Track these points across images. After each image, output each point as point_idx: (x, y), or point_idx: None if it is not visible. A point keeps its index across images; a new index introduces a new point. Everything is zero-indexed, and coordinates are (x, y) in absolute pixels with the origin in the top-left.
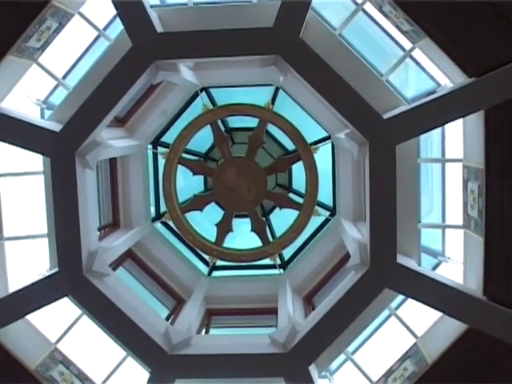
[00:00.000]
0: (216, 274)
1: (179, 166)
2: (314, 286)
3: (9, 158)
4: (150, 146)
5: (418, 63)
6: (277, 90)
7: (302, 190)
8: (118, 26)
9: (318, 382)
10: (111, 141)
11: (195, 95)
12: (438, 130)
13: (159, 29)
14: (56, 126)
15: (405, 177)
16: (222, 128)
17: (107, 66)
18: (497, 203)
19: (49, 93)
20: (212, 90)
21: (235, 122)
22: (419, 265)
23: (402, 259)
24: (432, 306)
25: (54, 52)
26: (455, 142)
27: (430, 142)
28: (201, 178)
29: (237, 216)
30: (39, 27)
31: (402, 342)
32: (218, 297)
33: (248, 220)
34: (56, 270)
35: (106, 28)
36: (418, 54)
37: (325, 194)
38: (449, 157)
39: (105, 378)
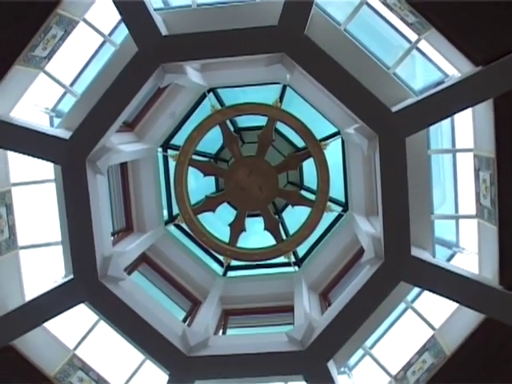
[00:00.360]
0: (231, 274)
1: (190, 168)
2: (329, 282)
3: (20, 167)
4: (159, 149)
5: (424, 54)
6: (284, 87)
7: (314, 187)
8: (123, 31)
9: (337, 378)
10: (121, 146)
11: (203, 96)
12: (447, 121)
13: (164, 32)
14: (65, 134)
15: (416, 169)
16: (231, 128)
17: (114, 71)
18: (509, 191)
19: (57, 101)
20: (219, 91)
21: (244, 121)
22: (434, 256)
23: (416, 251)
24: (448, 298)
25: (61, 60)
26: (465, 132)
27: (439, 132)
28: (212, 178)
29: (249, 215)
30: (45, 36)
31: (420, 334)
32: (233, 297)
33: (261, 219)
34: (71, 276)
35: (111, 33)
36: (424, 45)
37: (336, 190)
38: (459, 147)
39: (124, 382)
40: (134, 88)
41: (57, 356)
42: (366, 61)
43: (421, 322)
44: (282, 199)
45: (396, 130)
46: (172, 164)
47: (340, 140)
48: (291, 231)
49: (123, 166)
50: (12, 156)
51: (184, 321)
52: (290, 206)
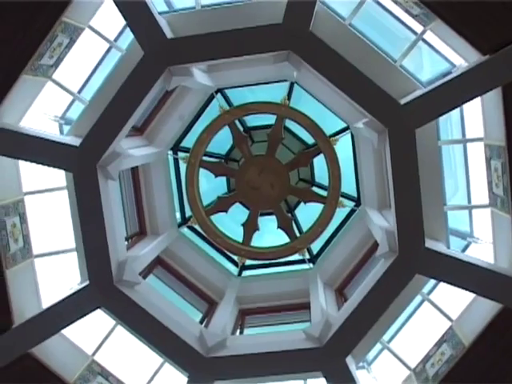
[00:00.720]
0: (246, 273)
1: (201, 170)
2: (344, 278)
3: (32, 175)
4: (170, 152)
5: (430, 46)
6: (292, 85)
7: (325, 183)
8: (129, 36)
9: (356, 374)
10: (131, 150)
11: (211, 97)
12: (456, 111)
13: (169, 35)
14: (75, 141)
15: (427, 161)
16: (241, 128)
17: (121, 76)
18: None
19: (66, 108)
20: (227, 91)
21: (253, 120)
22: (448, 248)
23: (430, 243)
24: (464, 288)
25: (68, 67)
26: (475, 122)
27: (449, 123)
28: (223, 179)
29: (262, 214)
30: (51, 44)
31: (437, 326)
32: (249, 296)
33: (273, 217)
34: (87, 282)
35: (116, 39)
36: (429, 36)
37: (348, 185)
38: (469, 137)
39: None
40: (141, 92)
41: (76, 362)
42: (372, 54)
43: (438, 314)
44: (294, 197)
45: (405, 123)
46: (183, 166)
47: (350, 135)
48: (304, 228)
49: (134, 171)
50: (23, 165)
51: (201, 322)
52: (302, 203)
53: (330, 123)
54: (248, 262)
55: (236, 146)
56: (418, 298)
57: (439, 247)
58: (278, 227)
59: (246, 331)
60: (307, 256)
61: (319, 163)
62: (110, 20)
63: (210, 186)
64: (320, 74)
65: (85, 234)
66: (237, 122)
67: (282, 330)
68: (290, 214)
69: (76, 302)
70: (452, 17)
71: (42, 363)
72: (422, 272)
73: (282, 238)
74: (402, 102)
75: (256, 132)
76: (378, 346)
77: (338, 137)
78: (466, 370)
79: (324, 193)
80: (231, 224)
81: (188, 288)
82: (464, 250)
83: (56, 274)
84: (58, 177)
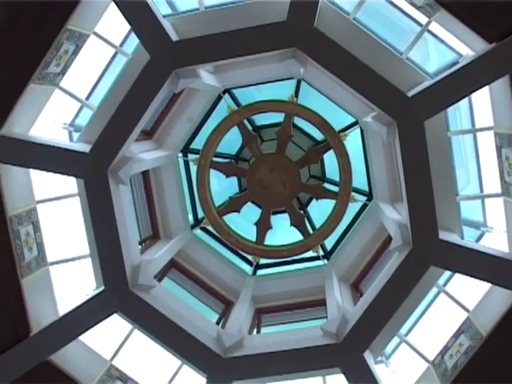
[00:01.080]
0: (261, 272)
1: (211, 171)
2: (359, 273)
3: (43, 183)
4: (180, 155)
5: (436, 36)
6: (299, 82)
7: (337, 179)
8: (134, 40)
9: (375, 368)
10: (141, 154)
11: (218, 98)
12: (464, 101)
13: (174, 37)
14: (85, 147)
15: (437, 152)
16: (249, 127)
17: (128, 81)
18: None
19: (74, 115)
20: (235, 91)
21: (261, 119)
22: (462, 238)
23: (444, 235)
24: (480, 278)
25: (75, 74)
26: (484, 111)
27: (458, 113)
28: (234, 179)
29: (274, 212)
30: (57, 52)
31: (454, 317)
32: (265, 295)
33: (286, 215)
34: (102, 288)
35: (122, 44)
36: (435, 27)
37: (359, 180)
38: (479, 126)
39: None
40: (149, 96)
41: (94, 368)
42: (378, 48)
43: (454, 305)
44: (306, 194)
45: (414, 115)
46: (193, 168)
47: (359, 129)
48: (317, 225)
49: (145, 175)
50: (34, 173)
51: (217, 323)
52: (314, 200)
53: (338, 118)
54: (262, 261)
55: (246, 146)
56: (434, 290)
57: (453, 238)
58: (291, 225)
59: (263, 330)
60: (321, 252)
61: (329, 159)
62: (114, 25)
63: (222, 186)
64: (326, 70)
65: (98, 240)
66: (245, 121)
67: (298, 328)
68: (302, 211)
69: (92, 308)
70: (456, 6)
71: (61, 370)
72: (437, 264)
73: (295, 236)
74: (410, 94)
75: (265, 131)
76: (396, 340)
77: (347, 132)
78: (484, 360)
79: (335, 188)
80: (244, 224)
81: (203, 289)
82: (478, 239)
83: (71, 281)
84: (69, 184)
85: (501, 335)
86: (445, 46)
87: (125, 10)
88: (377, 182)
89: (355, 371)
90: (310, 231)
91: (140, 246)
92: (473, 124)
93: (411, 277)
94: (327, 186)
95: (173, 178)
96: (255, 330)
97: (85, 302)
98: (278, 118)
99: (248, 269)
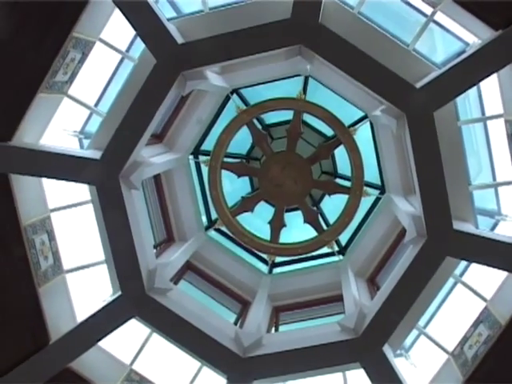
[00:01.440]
0: (276, 270)
1: (223, 171)
2: (375, 267)
3: (56, 191)
4: (190, 157)
5: (442, 26)
6: (306, 78)
7: (348, 174)
8: (140, 45)
9: (395, 362)
10: (152, 158)
11: (227, 98)
12: (473, 89)
13: (180, 40)
14: (96, 154)
15: (448, 142)
16: (259, 126)
17: (136, 85)
18: None
19: (84, 122)
20: (242, 91)
21: (271, 117)
22: (477, 227)
23: (458, 225)
24: (497, 267)
25: (83, 81)
26: (493, 98)
27: (467, 102)
28: (246, 179)
29: (287, 210)
30: (64, 60)
31: (472, 307)
32: (282, 293)
33: (299, 212)
34: (119, 293)
35: (128, 49)
36: (440, 17)
37: (371, 174)
38: (489, 114)
39: None
40: (157, 99)
41: (115, 373)
42: (384, 41)
43: (472, 295)
44: (318, 190)
45: (423, 106)
46: (205, 170)
47: (368, 123)
48: (331, 221)
49: (157, 178)
50: (47, 182)
51: (235, 323)
52: (327, 196)
53: (347, 113)
54: (278, 259)
55: (256, 145)
56: (451, 281)
57: (467, 228)
58: (305, 222)
59: (281, 328)
60: (336, 248)
61: (340, 154)
62: (120, 31)
63: (234, 186)
64: (333, 66)
65: (113, 246)
66: (255, 120)
67: (316, 324)
68: (315, 208)
69: (110, 314)
70: None
71: (81, 376)
72: (452, 254)
73: (309, 233)
74: (418, 85)
75: (275, 129)
76: (415, 333)
77: (356, 126)
78: (504, 349)
79: (348, 183)
80: (258, 223)
81: (220, 290)
82: (493, 228)
83: (88, 288)
84: (82, 191)
85: None
86: (451, 35)
87: (129, 15)
88: (389, 175)
89: (375, 366)
90: (324, 227)
91: (155, 250)
92: (483, 112)
93: (427, 268)
94: (339, 181)
95: (185, 181)
96: (273, 329)
97: (102, 308)
98: (287, 115)
99: (264, 268)
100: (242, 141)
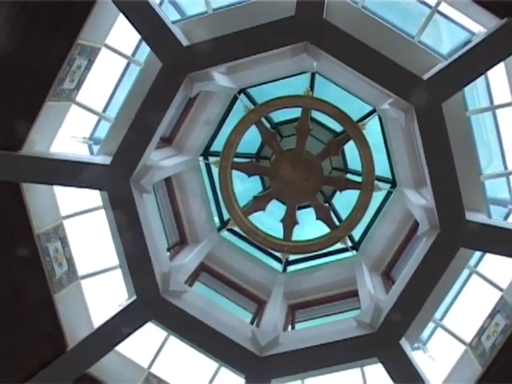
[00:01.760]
0: (291, 268)
1: (233, 171)
2: (389, 261)
3: (68, 198)
4: (200, 158)
5: (446, 17)
6: (313, 75)
7: (359, 168)
8: (146, 49)
9: (412, 355)
10: (162, 161)
11: (234, 99)
12: (481, 79)
13: (185, 42)
14: (106, 159)
15: (457, 133)
16: (268, 125)
17: (143, 90)
18: None
19: (93, 128)
20: (250, 90)
21: (279, 116)
22: (490, 217)
23: (471, 215)
24: (511, 256)
25: (90, 88)
26: (501, 87)
27: (475, 92)
28: (257, 178)
29: (299, 207)
30: (70, 68)
31: (488, 297)
32: (297, 291)
33: (311, 209)
34: (134, 298)
35: (134, 54)
36: (444, 7)
37: (382, 167)
38: (498, 103)
39: None
40: (165, 103)
41: (133, 377)
42: (389, 34)
43: (487, 285)
44: (329, 186)
45: (430, 98)
46: (215, 171)
47: (377, 117)
48: (343, 216)
49: (168, 181)
50: (58, 189)
51: (251, 322)
52: (338, 192)
53: (355, 108)
54: (291, 257)
55: (265, 144)
56: (466, 272)
57: (480, 218)
58: (317, 218)
59: (298, 326)
60: (349, 244)
61: (350, 149)
62: (124, 36)
63: (245, 186)
64: (339, 61)
65: (126, 250)
66: (263, 119)
67: (332, 321)
68: (327, 204)
69: (126, 318)
70: None
71: (100, 382)
72: (466, 245)
73: (322, 229)
74: (425, 77)
75: (283, 127)
76: (431, 325)
77: (365, 121)
78: None
79: (359, 178)
80: (270, 221)
81: (235, 290)
82: (506, 217)
83: (103, 293)
84: (93, 196)
85: None
86: (456, 25)
87: (134, 19)
88: (399, 168)
89: (393, 360)
90: (337, 223)
91: (168, 253)
92: (491, 101)
93: (441, 260)
94: (350, 176)
95: (195, 182)
96: (290, 327)
97: (118, 313)
98: (295, 113)
99: (278, 266)
100: (251, 140)
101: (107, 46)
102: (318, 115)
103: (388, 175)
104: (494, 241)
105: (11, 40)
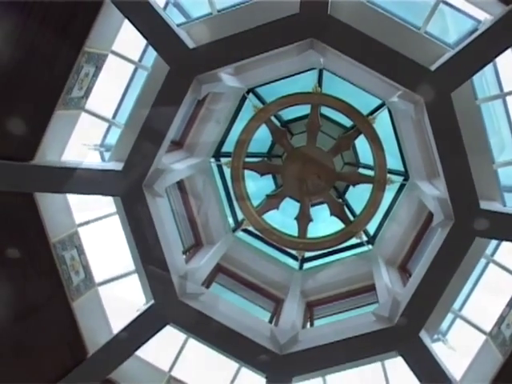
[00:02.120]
0: (307, 266)
1: (245, 171)
2: (405, 254)
3: (82, 205)
4: (212, 160)
5: (452, 6)
6: (320, 71)
7: (371, 163)
8: (152, 53)
9: (432, 347)
10: (174, 165)
11: (243, 98)
12: (489, 67)
13: (191, 45)
14: (118, 165)
15: (468, 122)
16: (277, 123)
17: (151, 94)
18: None
19: (103, 135)
20: (258, 89)
21: (288, 113)
22: (504, 205)
23: (485, 204)
24: None
25: (99, 95)
26: (510, 74)
27: (484, 80)
28: (269, 177)
29: (313, 204)
30: (78, 76)
31: (506, 286)
32: (314, 288)
33: (325, 205)
34: (152, 302)
35: (141, 59)
36: None
37: (394, 160)
38: (507, 90)
39: None
40: (174, 106)
41: (154, 380)
42: (395, 26)
43: (505, 274)
44: (342, 182)
45: (439, 88)
46: (227, 171)
47: (387, 110)
48: (357, 211)
49: (180, 184)
50: (72, 197)
51: (270, 321)
52: (351, 187)
53: (364, 102)
54: (307, 254)
55: (276, 142)
56: (483, 261)
57: (495, 206)
58: (331, 214)
59: (316, 323)
60: (364, 238)
61: (361, 144)
62: (131, 41)
63: (258, 185)
64: (346, 56)
65: (142, 255)
66: (273, 117)
67: (351, 316)
68: (340, 200)
69: (145, 323)
70: None
71: None
72: (482, 234)
73: (336, 225)
74: (433, 67)
75: (293, 124)
76: (450, 316)
77: (375, 115)
78: None
79: (371, 173)
80: (285, 219)
81: (252, 290)
82: None
83: (121, 298)
84: (107, 203)
85: None
86: (462, 14)
87: (139, 24)
88: (411, 160)
89: (413, 352)
90: (351, 218)
91: (184, 256)
92: (501, 89)
93: (458, 250)
94: (362, 171)
95: (208, 184)
96: (308, 324)
97: (137, 318)
98: (304, 110)
99: (294, 264)
100: (261, 139)
101: (114, 53)
102: (327, 111)
103: (400, 167)
104: (510, 229)
105: (18, 52)
